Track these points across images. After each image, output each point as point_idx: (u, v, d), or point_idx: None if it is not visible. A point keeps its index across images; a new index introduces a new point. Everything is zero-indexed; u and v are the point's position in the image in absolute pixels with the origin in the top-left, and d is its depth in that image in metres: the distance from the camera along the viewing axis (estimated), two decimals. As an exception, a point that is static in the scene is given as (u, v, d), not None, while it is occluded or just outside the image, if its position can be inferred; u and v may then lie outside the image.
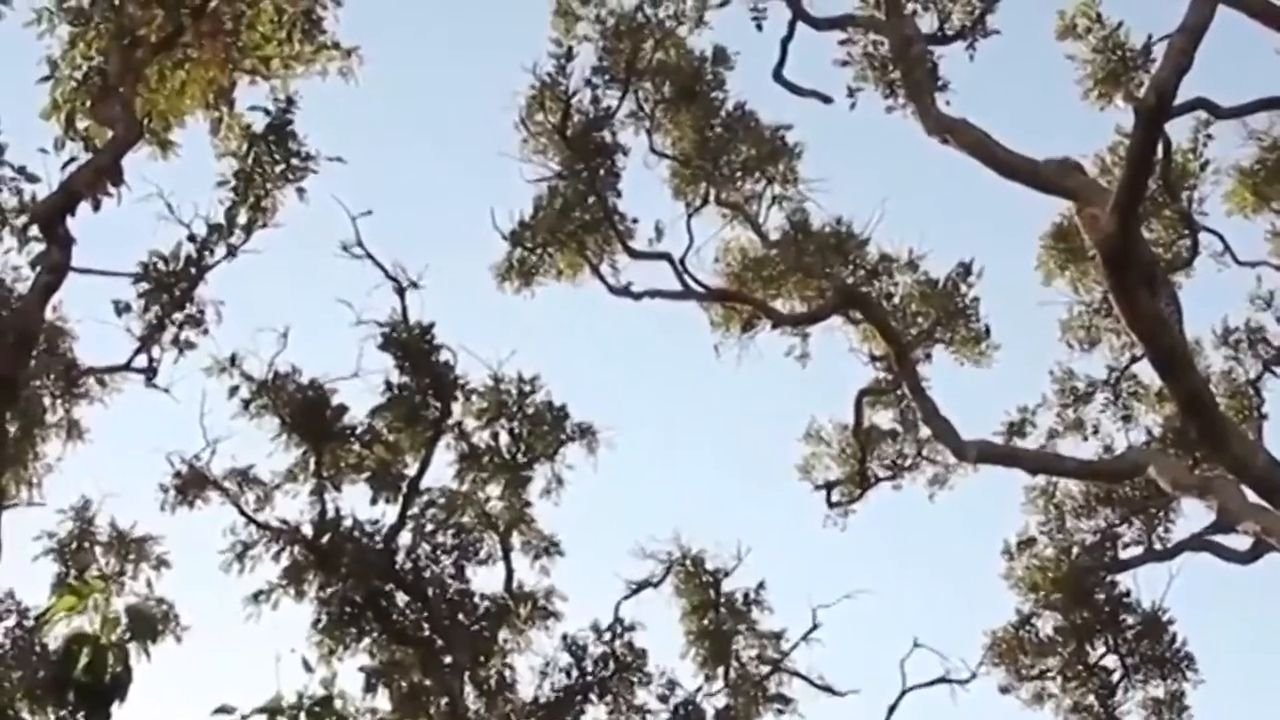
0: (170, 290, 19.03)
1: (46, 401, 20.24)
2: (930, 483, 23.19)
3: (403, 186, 27.72)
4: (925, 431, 21.83)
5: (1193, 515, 22.04)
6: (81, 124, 17.58)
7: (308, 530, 20.98)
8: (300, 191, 19.35)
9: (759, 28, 19.40)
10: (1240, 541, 20.73)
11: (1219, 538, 21.39)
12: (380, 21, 23.55)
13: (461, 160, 28.35)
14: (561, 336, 27.14)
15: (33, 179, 17.15)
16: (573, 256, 22.30)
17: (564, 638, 22.01)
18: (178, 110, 18.54)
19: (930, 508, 23.26)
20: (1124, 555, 22.95)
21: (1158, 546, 22.69)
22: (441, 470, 21.56)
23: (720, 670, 22.80)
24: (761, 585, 23.13)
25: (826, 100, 20.14)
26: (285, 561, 20.93)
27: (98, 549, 20.95)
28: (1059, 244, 22.08)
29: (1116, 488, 22.18)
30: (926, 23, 19.31)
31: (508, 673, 21.61)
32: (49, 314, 17.42)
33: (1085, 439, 23.00)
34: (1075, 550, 22.86)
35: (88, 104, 17.52)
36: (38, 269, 15.43)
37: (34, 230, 16.38)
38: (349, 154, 19.53)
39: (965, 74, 19.33)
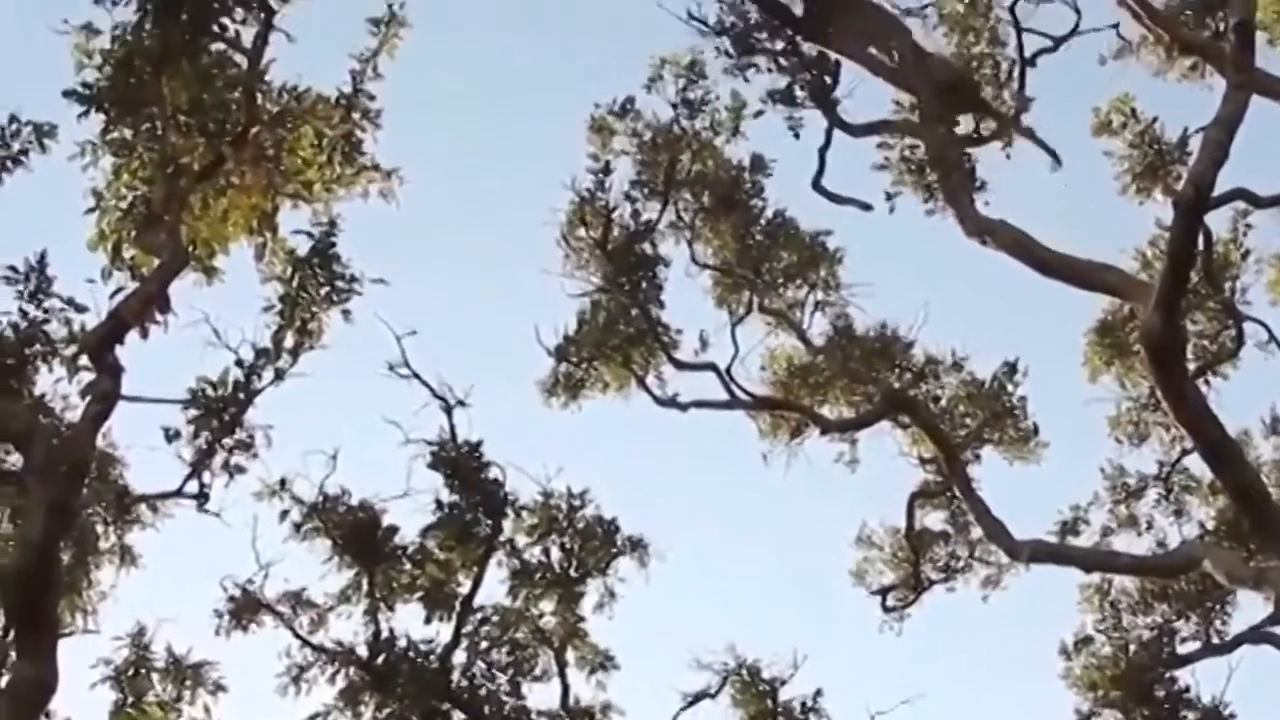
0: (219, 416, 19.14)
1: (99, 529, 20.27)
2: (984, 584, 23.11)
3: (446, 304, 27.88)
4: (977, 532, 21.75)
5: (1250, 607, 21.91)
6: (128, 253, 17.75)
7: (363, 651, 20.94)
8: (345, 314, 19.48)
9: (796, 136, 19.52)
10: (1299, 632, 20.64)
11: (1277, 629, 21.24)
12: (419, 141, 23.77)
13: (504, 277, 28.50)
14: (610, 450, 27.16)
15: (81, 309, 17.36)
16: (618, 370, 22.41)
17: (622, 752, 21.92)
18: (222, 237, 18.69)
19: (985, 608, 23.18)
20: (1182, 650, 22.73)
21: (1216, 640, 22.47)
22: (494, 587, 21.55)
23: (780, 779, 22.63)
24: (819, 693, 22.89)
25: (866, 208, 20.27)
26: (341, 683, 20.88)
27: (154, 675, 20.88)
28: (1104, 339, 22.07)
29: (1172, 583, 22.00)
30: (961, 124, 19.45)
31: (567, 789, 21.51)
32: (100, 442, 17.48)
33: (1139, 535, 22.93)
34: (1133, 647, 22.65)
35: (133, 233, 17.69)
36: (88, 398, 15.50)
37: (83, 359, 16.50)
38: (391, 273, 19.68)
39: (1003, 172, 19.46)
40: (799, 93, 19.21)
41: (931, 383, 22.47)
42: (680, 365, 22.28)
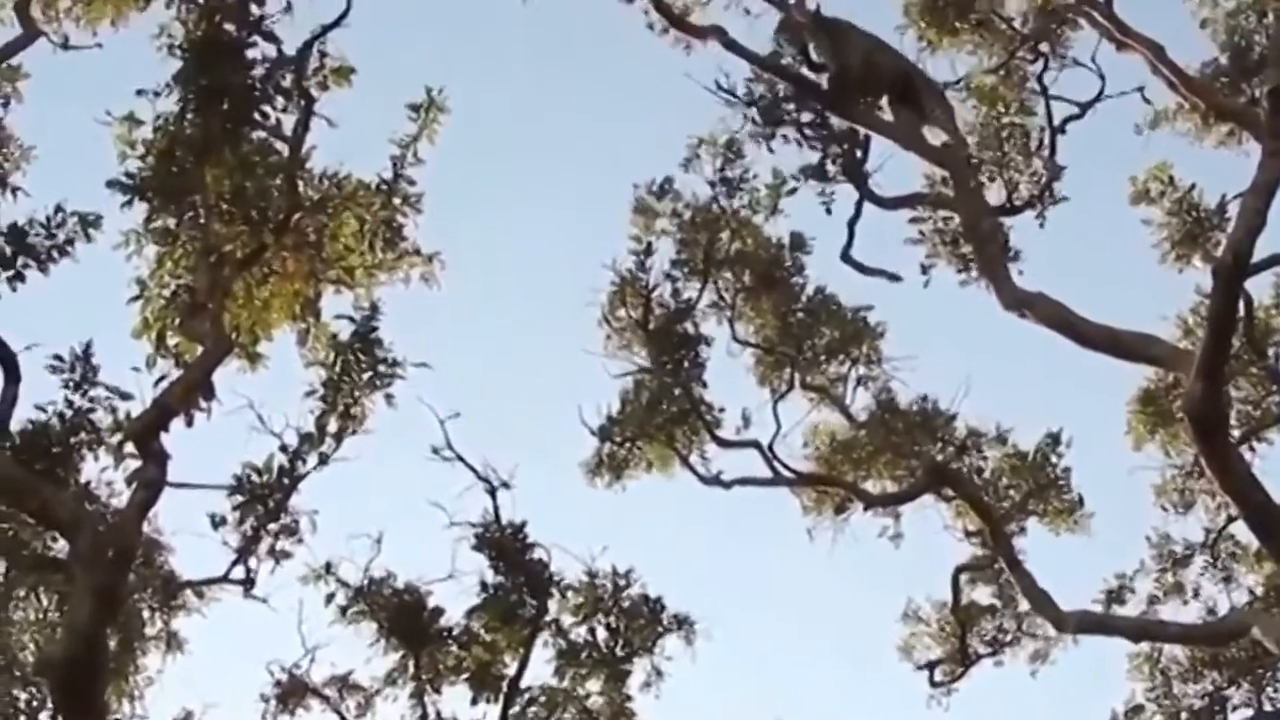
0: (264, 501, 19.21)
1: (146, 615, 20.38)
2: (1033, 657, 23.01)
3: (489, 387, 27.96)
4: (1025, 605, 21.65)
5: (1301, 674, 21.79)
6: (172, 341, 17.86)
7: (410, 734, 20.95)
8: (388, 398, 19.57)
9: (828, 211, 19.59)
10: (1352, 697, 20.49)
11: (1330, 695, 21.12)
12: (459, 223, 23.93)
13: (546, 358, 28.63)
14: (654, 528, 27.15)
15: (126, 397, 17.47)
16: (662, 449, 22.45)
17: (672, 832, 21.79)
18: (265, 323, 18.80)
19: (1034, 680, 23.06)
20: (1234, 718, 22.63)
21: (1268, 707, 22.32)
22: (540, 668, 21.48)
23: None
24: (869, 769, 22.93)
25: (895, 279, 20.25)
26: (389, 766, 20.91)
27: (201, 761, 20.94)
28: (1147, 408, 22.04)
29: (1222, 650, 21.89)
30: (994, 194, 19.52)
31: None
32: (146, 528, 17.61)
33: (1186, 603, 22.85)
34: (1184, 716, 22.50)
35: (177, 321, 17.83)
36: (133, 485, 15.60)
37: (129, 447, 16.60)
38: (434, 357, 19.81)
39: (1038, 242, 19.50)
40: (830, 167, 19.28)
41: (975, 455, 22.45)
42: (723, 443, 22.33)
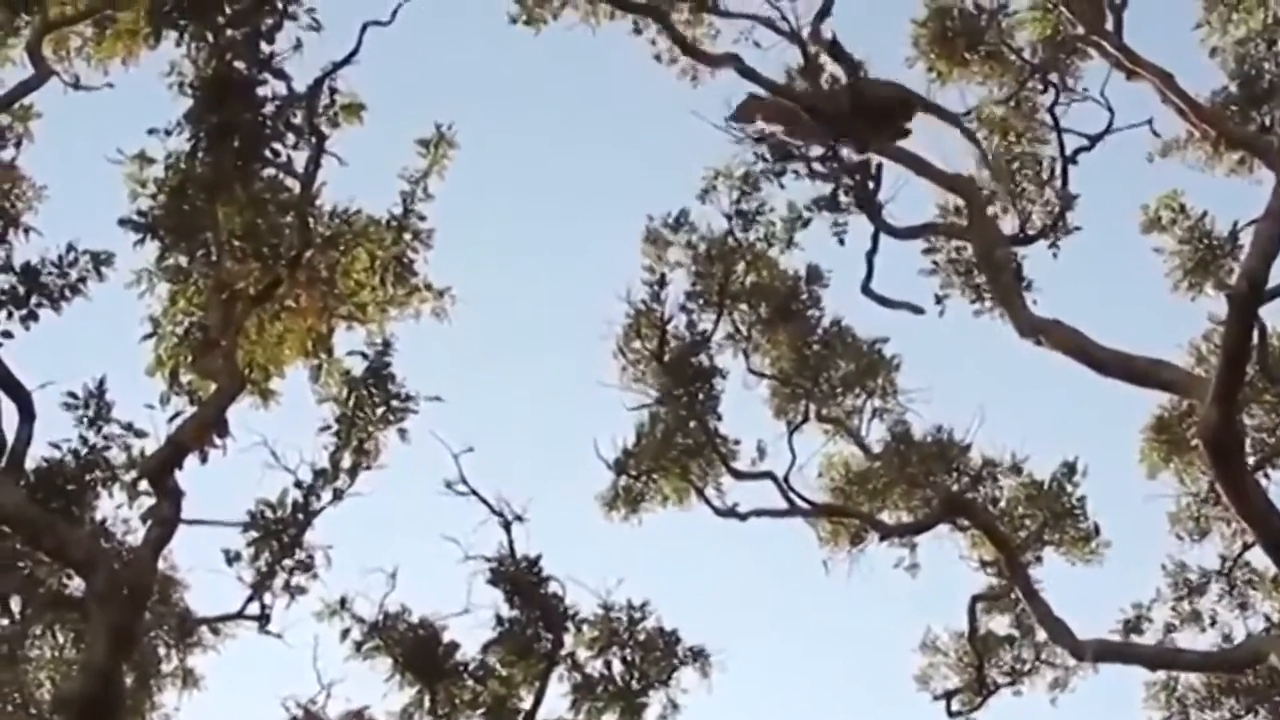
0: (279, 537, 19.18)
1: (162, 651, 20.37)
2: (1051, 686, 22.92)
3: (502, 420, 27.97)
4: (1043, 634, 21.58)
5: (1317, 701, 21.71)
6: (185, 378, 17.98)
7: (426, 769, 20.89)
8: (402, 433, 19.60)
9: (841, 242, 19.58)
10: (1368, 723, 20.43)
11: (1347, 721, 21.04)
12: (471, 256, 23.99)
13: (560, 390, 28.63)
14: (670, 560, 27.11)
15: (140, 434, 17.54)
16: (678, 482, 22.42)
17: None
18: (278, 360, 18.89)
19: (1051, 710, 22.98)
20: (1250, 745, 22.55)
21: (1285, 733, 22.31)
22: (556, 701, 21.39)
23: None
24: (887, 801, 22.85)
25: (918, 311, 20.21)
26: (406, 802, 20.84)
27: (219, 798, 20.91)
28: (1161, 436, 21.99)
29: (1238, 677, 21.81)
30: (1007, 224, 19.52)
31: None
32: (161, 565, 17.60)
33: (1203, 630, 22.76)
34: (1203, 744, 22.50)
35: (190, 358, 17.91)
36: (148, 522, 15.61)
37: (143, 485, 16.64)
38: (447, 391, 19.83)
39: (1051, 271, 19.49)
40: (843, 198, 19.28)
41: (990, 485, 22.38)
42: (739, 475, 22.29)
